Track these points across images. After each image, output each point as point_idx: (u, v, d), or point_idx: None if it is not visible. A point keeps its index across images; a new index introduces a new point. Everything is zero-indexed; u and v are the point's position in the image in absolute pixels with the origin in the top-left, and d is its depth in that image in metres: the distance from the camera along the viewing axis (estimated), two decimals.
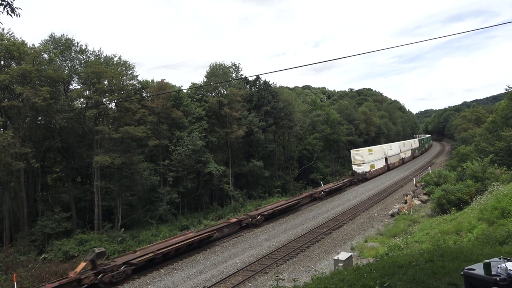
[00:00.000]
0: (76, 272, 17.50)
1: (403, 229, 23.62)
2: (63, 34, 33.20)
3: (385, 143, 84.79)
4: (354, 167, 51.51)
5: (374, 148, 56.59)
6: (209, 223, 32.87)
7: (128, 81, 33.88)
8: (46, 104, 26.42)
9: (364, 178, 50.53)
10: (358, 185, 47.81)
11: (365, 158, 51.39)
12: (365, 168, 50.94)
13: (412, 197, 34.55)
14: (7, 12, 6.34)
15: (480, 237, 13.82)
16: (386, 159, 59.79)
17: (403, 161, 69.28)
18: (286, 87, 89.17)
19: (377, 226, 26.50)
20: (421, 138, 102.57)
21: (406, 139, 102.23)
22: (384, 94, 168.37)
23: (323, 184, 48.03)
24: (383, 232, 24.34)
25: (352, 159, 52.43)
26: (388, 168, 60.47)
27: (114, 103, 32.31)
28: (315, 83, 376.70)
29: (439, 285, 6.69)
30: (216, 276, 18.02)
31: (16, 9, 6.43)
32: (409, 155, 75.76)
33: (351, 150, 54.38)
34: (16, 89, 26.02)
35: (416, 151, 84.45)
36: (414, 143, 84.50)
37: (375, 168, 54.25)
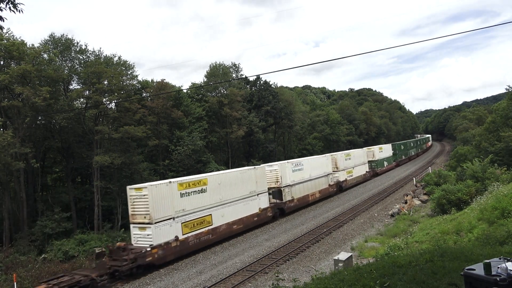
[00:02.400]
0: None
1: (403, 229, 23.60)
2: (63, 34, 33.26)
3: (385, 143, 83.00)
4: (134, 233, 20.00)
5: (213, 176, 23.65)
6: None
7: (128, 81, 33.93)
8: (46, 104, 26.44)
9: (142, 265, 18.35)
10: None
11: (155, 210, 19.30)
12: (157, 236, 19.22)
13: (412, 197, 34.55)
14: (9, 8, 6.23)
15: (480, 237, 13.81)
16: (279, 192, 29.99)
17: (339, 188, 40.48)
18: (286, 87, 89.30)
19: (377, 226, 26.48)
20: (399, 143, 71.86)
21: (406, 139, 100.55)
22: (384, 94, 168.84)
23: None
24: (383, 232, 24.32)
25: (130, 211, 20.23)
26: (282, 211, 30.04)
27: (114, 103, 32.34)
28: (315, 83, 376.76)
29: (439, 285, 6.68)
30: (216, 276, 18.00)
31: (18, 5, 6.32)
32: (361, 173, 47.10)
33: (127, 188, 20.65)
34: (16, 89, 26.03)
35: (385, 163, 57.12)
36: (379, 152, 55.21)
37: (215, 226, 22.85)
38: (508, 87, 45.26)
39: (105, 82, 29.85)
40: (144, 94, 37.37)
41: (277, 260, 19.48)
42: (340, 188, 40.87)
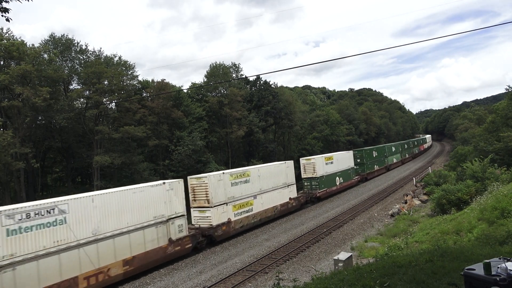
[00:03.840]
0: None
1: (403, 229, 23.61)
2: (63, 34, 33.32)
3: (385, 143, 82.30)
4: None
5: None
6: None
7: (128, 81, 33.98)
8: (46, 104, 26.47)
9: None
10: None
11: None
12: None
13: (412, 197, 34.56)
14: None
15: (480, 237, 13.82)
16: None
17: (206, 240, 22.44)
18: (286, 87, 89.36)
19: (377, 226, 26.49)
20: (368, 148, 51.29)
21: (406, 139, 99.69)
22: (384, 94, 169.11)
23: None
24: (383, 232, 24.34)
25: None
26: None
27: (114, 103, 32.38)
28: (315, 83, 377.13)
29: (439, 285, 6.69)
30: (216, 276, 18.02)
31: None
32: (275, 204, 29.04)
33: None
34: (16, 89, 26.05)
35: (338, 180, 38.71)
36: (325, 163, 36.55)
37: None
38: (508, 87, 45.25)
39: (105, 82, 29.90)
40: (144, 94, 37.40)
41: (277, 260, 19.49)
42: (210, 239, 22.94)
